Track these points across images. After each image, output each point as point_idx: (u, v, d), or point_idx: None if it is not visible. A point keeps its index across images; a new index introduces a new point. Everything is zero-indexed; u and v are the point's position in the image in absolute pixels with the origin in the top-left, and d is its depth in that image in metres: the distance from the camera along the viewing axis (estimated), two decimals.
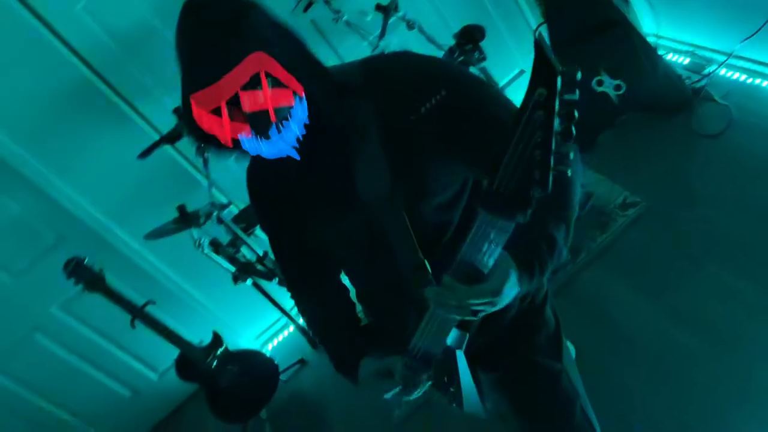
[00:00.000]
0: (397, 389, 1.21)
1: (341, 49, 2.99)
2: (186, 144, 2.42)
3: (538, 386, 1.32)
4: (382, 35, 2.70)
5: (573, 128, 0.68)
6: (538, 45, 0.65)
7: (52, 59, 2.64)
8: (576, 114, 0.67)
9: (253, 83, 0.94)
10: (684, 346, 2.08)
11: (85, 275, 2.60)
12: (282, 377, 3.17)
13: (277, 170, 1.11)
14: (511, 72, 3.40)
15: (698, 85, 2.79)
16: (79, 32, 2.62)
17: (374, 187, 1.07)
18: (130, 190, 2.91)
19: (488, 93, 1.09)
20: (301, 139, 1.01)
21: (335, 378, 3.24)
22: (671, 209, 2.49)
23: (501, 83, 3.27)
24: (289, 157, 1.03)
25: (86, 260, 2.61)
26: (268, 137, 0.98)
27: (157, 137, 2.60)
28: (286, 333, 3.55)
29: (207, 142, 1.03)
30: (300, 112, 1.00)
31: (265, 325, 3.58)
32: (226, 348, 2.97)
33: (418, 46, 2.69)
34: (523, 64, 3.39)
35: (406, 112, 1.04)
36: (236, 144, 1.00)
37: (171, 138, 2.23)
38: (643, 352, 2.16)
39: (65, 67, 2.68)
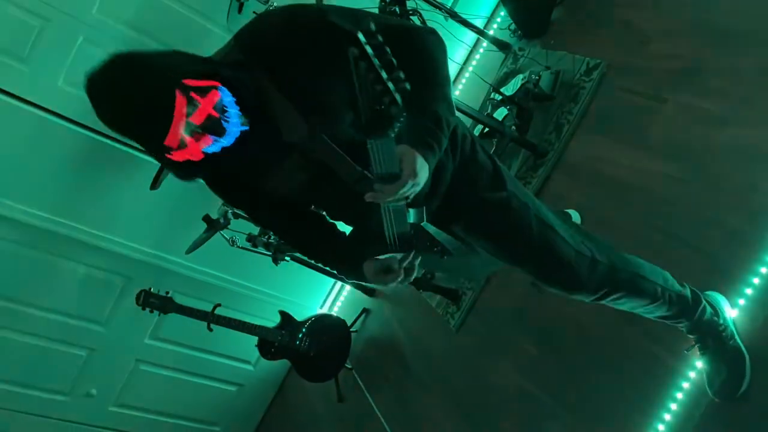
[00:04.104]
0: (401, 277, 1.41)
1: None
2: None
3: (495, 214, 1.56)
4: None
5: (393, 59, 0.91)
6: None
7: (58, 135, 2.99)
8: (388, 50, 0.90)
9: (193, 105, 1.18)
10: (668, 174, 2.26)
11: (155, 302, 2.98)
12: (353, 328, 3.52)
13: (228, 156, 1.31)
14: None
15: None
16: (68, 103, 2.95)
17: (294, 129, 1.29)
18: (163, 217, 3.27)
19: (327, 11, 1.29)
20: (241, 115, 1.25)
21: (395, 314, 3.59)
22: (628, 56, 2.62)
23: None
24: (238, 140, 1.26)
25: (152, 289, 2.99)
26: (224, 132, 1.23)
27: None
28: (345, 292, 3.89)
29: (186, 172, 1.29)
30: (228, 97, 1.23)
31: (325, 291, 3.93)
32: (296, 320, 3.32)
33: None
34: None
35: (276, 59, 1.27)
36: (205, 156, 1.24)
37: None
38: (636, 193, 2.34)
39: (71, 137, 3.02)
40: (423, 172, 1.22)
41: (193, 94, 1.18)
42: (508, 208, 1.55)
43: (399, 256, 1.39)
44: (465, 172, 1.51)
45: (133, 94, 1.15)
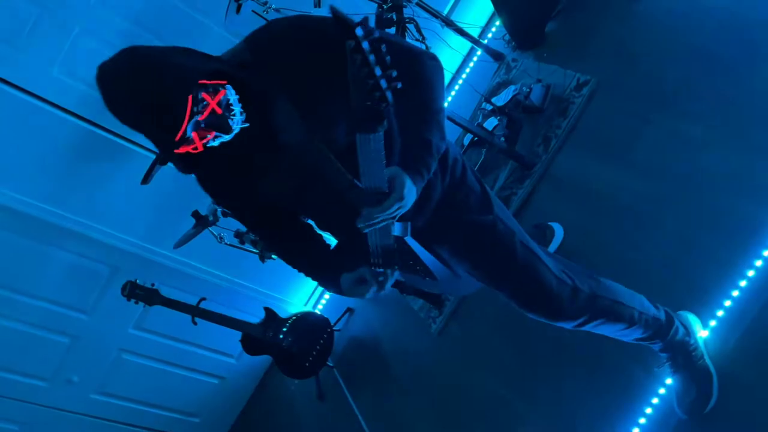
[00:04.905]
0: (374, 288, 1.45)
1: None
2: None
3: (480, 237, 1.60)
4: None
5: (386, 58, 0.94)
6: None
7: (51, 124, 2.99)
8: (384, 48, 0.93)
9: (202, 103, 1.22)
10: (649, 193, 2.32)
11: (141, 293, 3.00)
12: (336, 327, 3.56)
13: (224, 153, 1.34)
14: None
15: None
16: (62, 92, 2.95)
17: (291, 132, 1.33)
18: (153, 210, 3.28)
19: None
20: (243, 112, 1.28)
21: (378, 315, 3.64)
22: (618, 75, 2.67)
23: None
24: (234, 138, 1.29)
25: (138, 280, 3.01)
26: (229, 129, 1.27)
27: None
28: None
29: (187, 165, 1.32)
30: (233, 95, 1.27)
31: (310, 289, 3.97)
32: (280, 317, 3.36)
33: None
34: None
35: (286, 64, 1.31)
36: (204, 149, 1.27)
37: (162, 159, 2.53)
38: (618, 210, 2.40)
39: (64, 127, 3.03)
40: (410, 196, 1.26)
41: (203, 94, 1.22)
42: (493, 230, 1.59)
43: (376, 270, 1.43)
44: (454, 194, 1.55)
45: (149, 93, 1.17)
